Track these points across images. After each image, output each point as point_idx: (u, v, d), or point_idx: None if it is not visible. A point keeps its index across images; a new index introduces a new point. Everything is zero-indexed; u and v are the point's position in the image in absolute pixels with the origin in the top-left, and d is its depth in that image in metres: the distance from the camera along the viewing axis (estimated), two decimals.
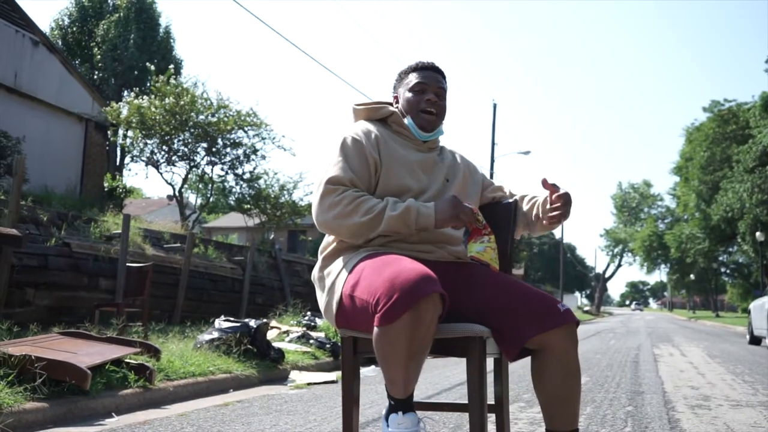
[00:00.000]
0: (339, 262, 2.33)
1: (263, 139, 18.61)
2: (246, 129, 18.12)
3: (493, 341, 2.31)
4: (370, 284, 2.08)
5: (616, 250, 79.32)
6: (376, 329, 2.00)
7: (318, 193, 2.32)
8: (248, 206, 20.04)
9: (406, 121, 2.53)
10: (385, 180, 2.39)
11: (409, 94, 2.54)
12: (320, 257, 2.43)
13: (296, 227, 25.66)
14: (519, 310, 2.23)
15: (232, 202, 21.95)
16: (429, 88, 2.52)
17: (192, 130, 17.29)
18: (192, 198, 38.60)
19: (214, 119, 17.44)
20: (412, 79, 2.55)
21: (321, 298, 2.38)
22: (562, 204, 2.41)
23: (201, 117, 17.38)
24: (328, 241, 2.42)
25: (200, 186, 26.25)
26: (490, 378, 2.60)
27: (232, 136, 18.00)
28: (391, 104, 2.66)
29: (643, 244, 60.53)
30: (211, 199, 24.22)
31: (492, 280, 2.33)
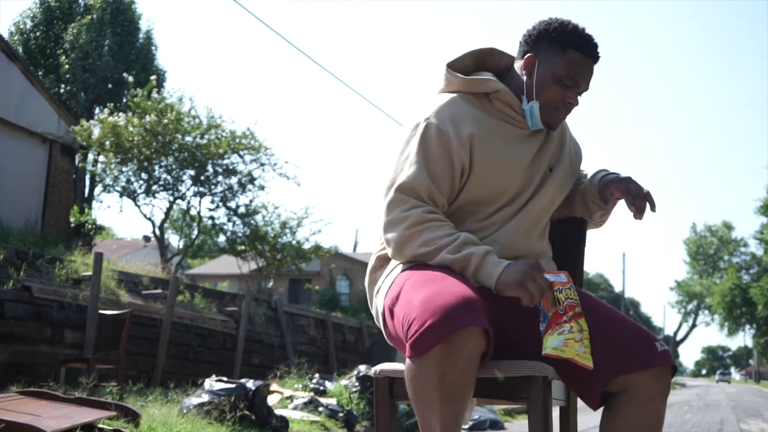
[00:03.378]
0: (390, 264, 2.37)
1: (262, 165, 18.76)
2: (242, 153, 18.27)
3: (560, 384, 2.31)
4: (408, 303, 2.10)
5: (689, 306, 78.65)
6: (407, 361, 2.03)
7: (386, 200, 2.30)
8: (243, 248, 20.05)
9: (526, 106, 2.38)
10: (474, 185, 2.34)
11: (552, 81, 2.35)
12: (373, 256, 2.44)
13: (300, 273, 25.76)
14: (605, 343, 2.20)
15: (223, 243, 22.03)
16: (578, 87, 2.37)
17: (177, 154, 17.47)
18: (173, 240, 38.83)
19: (204, 141, 17.62)
20: (568, 63, 2.35)
21: (371, 305, 2.42)
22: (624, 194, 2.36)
23: (188, 138, 17.56)
24: None
25: (183, 225, 26.43)
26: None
27: (225, 161, 18.16)
28: (489, 54, 2.52)
29: (723, 299, 59.98)
30: (196, 241, 24.39)
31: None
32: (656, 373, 2.20)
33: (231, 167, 18.36)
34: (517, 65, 2.44)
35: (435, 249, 2.22)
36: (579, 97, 2.39)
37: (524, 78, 2.39)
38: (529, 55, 2.39)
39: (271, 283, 21.76)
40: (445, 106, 2.36)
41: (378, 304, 2.34)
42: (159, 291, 12.36)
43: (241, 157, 18.40)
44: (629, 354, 2.20)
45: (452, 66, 2.46)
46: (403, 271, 2.27)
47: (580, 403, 2.64)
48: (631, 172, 2.48)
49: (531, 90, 2.37)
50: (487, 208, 2.36)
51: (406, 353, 2.02)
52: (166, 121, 17.13)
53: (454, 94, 2.41)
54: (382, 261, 2.42)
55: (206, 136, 17.77)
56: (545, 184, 2.42)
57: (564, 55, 2.34)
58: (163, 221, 19.06)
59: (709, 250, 76.39)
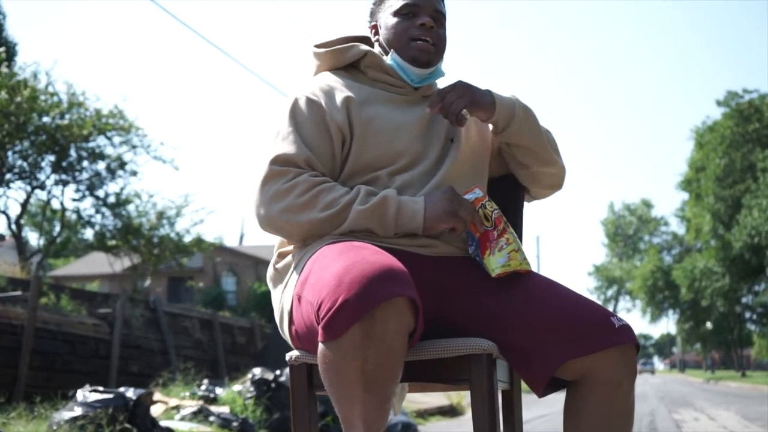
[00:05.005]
0: (297, 255, 2.28)
1: (133, 147, 18.51)
2: (109, 134, 17.94)
3: (504, 365, 2.26)
4: (318, 281, 2.01)
5: (609, 292, 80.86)
6: (320, 346, 1.93)
7: (259, 179, 2.26)
8: (114, 243, 19.71)
9: (389, 59, 2.45)
10: (359, 151, 2.32)
11: (394, 20, 2.44)
12: (275, 252, 2.39)
13: (181, 270, 25.42)
14: (552, 322, 2.15)
15: (90, 238, 21.59)
16: (422, 10, 2.43)
17: (33, 137, 17.01)
18: (32, 238, 37.82)
19: (65, 121, 17.18)
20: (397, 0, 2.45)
21: (275, 307, 2.33)
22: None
23: (46, 119, 17.11)
24: None
25: (43, 221, 25.80)
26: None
27: (91, 144, 17.80)
28: (363, 40, 2.59)
29: (645, 283, 61.82)
30: (59, 238, 23.79)
31: (519, 284, 2.25)
32: (617, 355, 2.12)
33: (97, 151, 18.01)
34: (373, 40, 2.57)
35: (341, 207, 2.19)
36: (436, 25, 2.44)
37: (378, 41, 2.52)
38: (371, 25, 2.55)
39: (147, 282, 21.43)
40: (315, 81, 2.45)
41: (285, 301, 2.24)
42: (18, 293, 12.06)
43: (108, 138, 18.07)
44: (580, 334, 2.12)
45: (320, 47, 2.55)
46: (314, 252, 2.17)
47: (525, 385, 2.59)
48: None
49: (383, 46, 2.48)
50: (382, 172, 2.33)
51: (319, 337, 1.92)
52: (19, 99, 16.57)
53: (325, 72, 2.50)
54: (284, 255, 2.36)
55: (67, 116, 17.33)
56: (450, 153, 2.42)
57: None
58: (20, 215, 18.54)
59: (628, 231, 78.60)
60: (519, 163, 2.52)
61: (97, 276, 32.99)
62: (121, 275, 22.15)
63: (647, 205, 78.46)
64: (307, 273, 2.11)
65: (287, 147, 2.26)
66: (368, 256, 1.96)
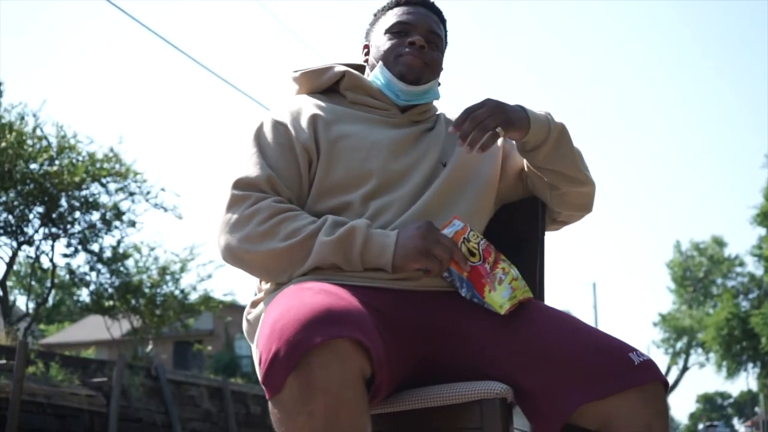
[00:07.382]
0: (266, 302, 2.33)
1: (131, 195, 18.53)
2: (104, 181, 17.98)
3: (519, 412, 2.25)
4: (260, 332, 2.06)
5: (678, 345, 79.77)
6: (269, 405, 1.92)
7: (222, 206, 2.34)
8: (111, 303, 19.70)
9: (372, 75, 2.53)
10: (326, 171, 2.38)
11: (385, 38, 2.56)
12: (249, 304, 2.43)
13: (187, 333, 25.36)
14: (564, 361, 2.14)
15: (85, 299, 21.60)
16: (415, 29, 2.54)
17: (20, 187, 17.09)
18: (20, 302, 38.00)
19: (54, 168, 17.26)
20: (393, 15, 2.58)
21: (255, 364, 2.32)
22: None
23: (33, 165, 17.20)
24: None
25: (33, 282, 25.81)
26: None
27: (83, 192, 17.83)
28: (359, 68, 2.66)
29: (719, 332, 60.93)
30: (51, 299, 23.83)
31: (523, 317, 2.25)
32: (641, 396, 2.10)
33: (91, 200, 18.02)
34: (362, 60, 2.71)
35: (304, 237, 2.22)
36: (429, 45, 2.53)
37: (367, 61, 2.66)
38: (364, 45, 2.71)
39: (149, 347, 21.38)
40: (286, 103, 2.53)
41: (257, 357, 2.25)
42: (3, 362, 12.07)
43: (103, 186, 18.11)
44: (593, 374, 2.12)
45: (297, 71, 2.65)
46: (272, 300, 2.20)
47: None
48: (600, 182, 2.50)
49: (374, 61, 2.59)
50: (355, 196, 2.36)
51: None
52: (4, 144, 16.72)
53: (302, 96, 2.60)
54: (257, 304, 2.41)
55: (57, 162, 17.41)
56: (439, 177, 2.45)
57: (386, 14, 2.63)
58: (6, 273, 18.58)
59: (698, 273, 77.64)
60: (548, 184, 2.54)
61: (94, 342, 33.02)
62: (120, 341, 22.06)
63: (719, 243, 77.44)
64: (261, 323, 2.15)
65: (249, 169, 2.34)
66: (306, 298, 1.96)
